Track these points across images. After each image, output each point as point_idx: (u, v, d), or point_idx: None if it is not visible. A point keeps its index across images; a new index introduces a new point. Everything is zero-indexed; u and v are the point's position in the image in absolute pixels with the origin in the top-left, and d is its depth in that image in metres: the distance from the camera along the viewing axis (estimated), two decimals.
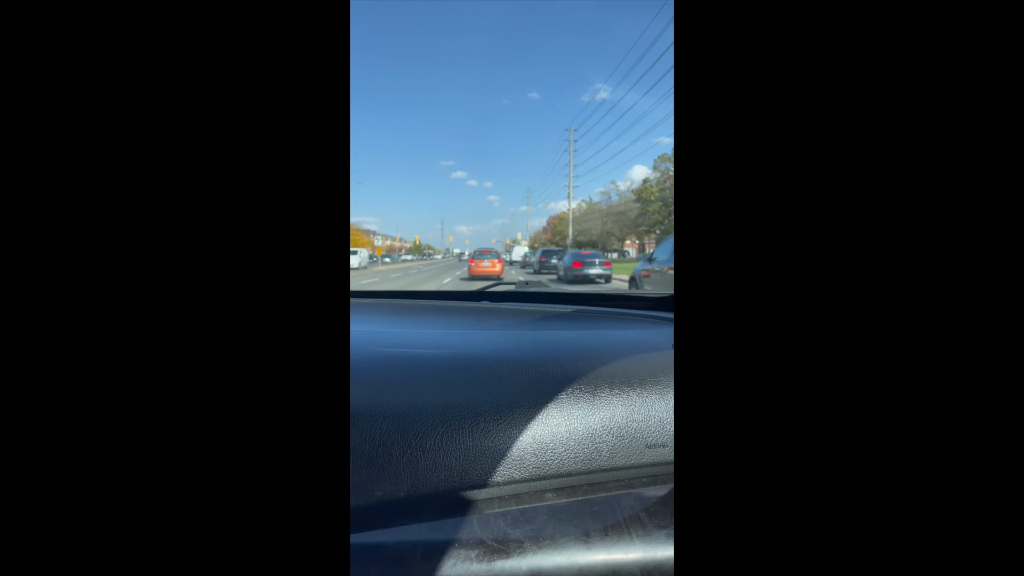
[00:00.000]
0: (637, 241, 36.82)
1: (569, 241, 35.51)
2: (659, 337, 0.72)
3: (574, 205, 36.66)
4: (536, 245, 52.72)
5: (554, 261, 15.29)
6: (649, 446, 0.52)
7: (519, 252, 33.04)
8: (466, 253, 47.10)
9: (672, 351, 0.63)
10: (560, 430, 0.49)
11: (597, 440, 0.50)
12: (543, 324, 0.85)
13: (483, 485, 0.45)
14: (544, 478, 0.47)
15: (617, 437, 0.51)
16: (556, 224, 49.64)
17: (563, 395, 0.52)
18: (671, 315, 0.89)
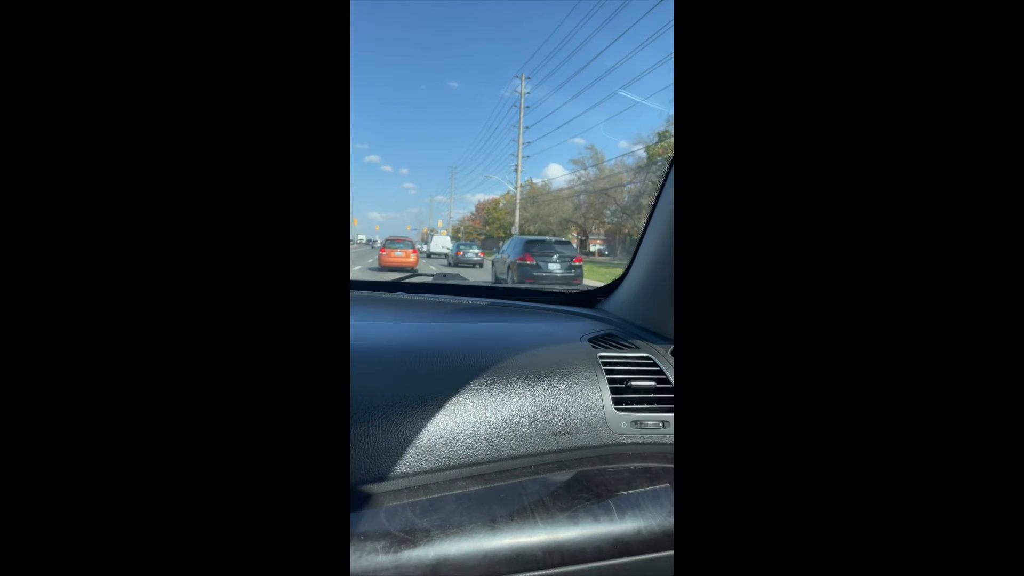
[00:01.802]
0: (580, 236, 28.30)
1: (515, 230, 26.02)
2: (569, 330, 0.77)
3: (498, 194, 27.38)
4: (460, 235, 43.41)
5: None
6: (555, 433, 0.56)
7: (440, 243, 23.60)
8: (378, 241, 37.51)
9: (580, 343, 0.71)
10: (472, 420, 0.52)
11: (507, 429, 0.53)
12: (459, 316, 0.86)
13: (393, 477, 0.46)
14: (455, 467, 0.49)
15: (527, 426, 0.55)
16: (490, 211, 39.97)
17: (475, 386, 0.55)
18: (581, 309, 0.96)
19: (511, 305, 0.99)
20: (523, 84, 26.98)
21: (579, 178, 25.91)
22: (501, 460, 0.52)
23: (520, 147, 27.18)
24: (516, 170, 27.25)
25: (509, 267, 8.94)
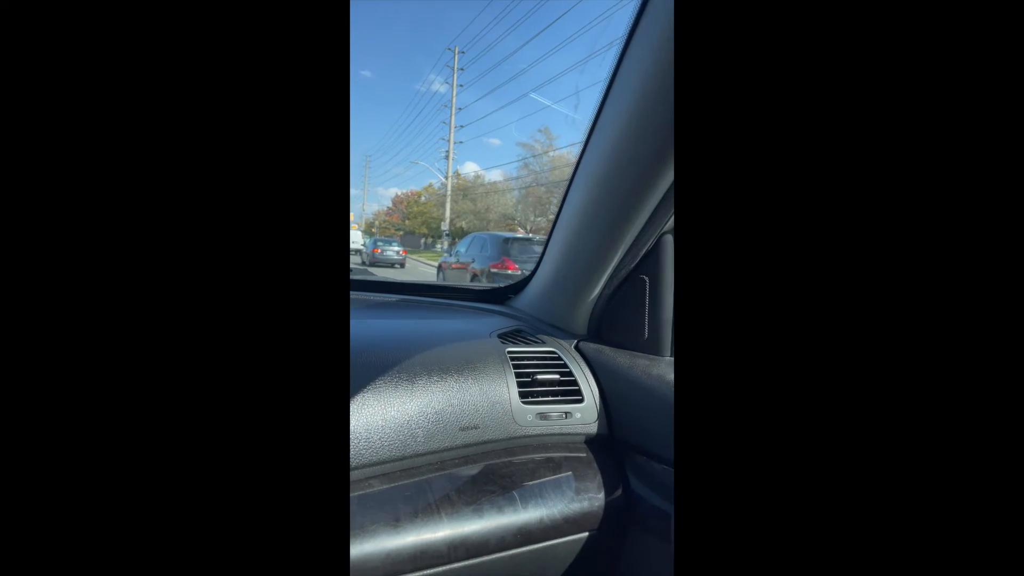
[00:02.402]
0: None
1: (446, 226, 22.52)
2: (479, 326, 0.77)
3: (419, 187, 23.82)
4: (374, 231, 38.72)
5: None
6: (463, 428, 0.56)
7: (352, 238, 19.44)
8: None
9: (490, 339, 0.71)
10: (376, 419, 0.51)
11: (413, 426, 0.53)
12: (366, 313, 0.84)
13: None
14: (357, 468, 0.49)
15: (433, 422, 0.55)
16: (410, 204, 35.72)
17: (381, 384, 0.54)
18: (492, 306, 0.96)
19: (422, 301, 0.99)
20: (456, 58, 23.48)
21: (527, 166, 23.02)
22: (407, 458, 0.52)
23: (452, 130, 23.66)
24: (447, 157, 23.68)
25: (480, 276, 6.51)
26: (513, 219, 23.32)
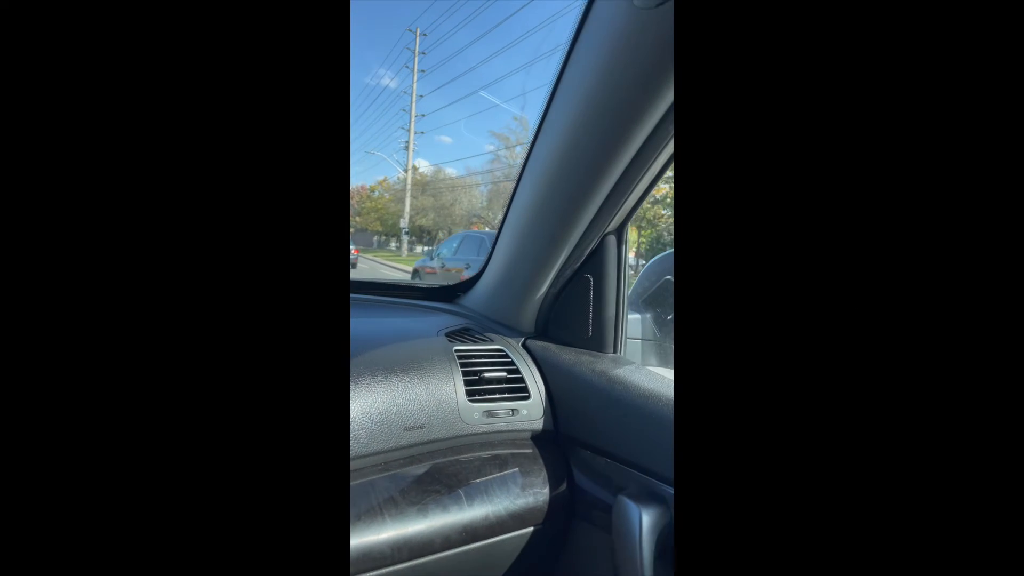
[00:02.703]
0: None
1: (404, 223, 20.49)
2: (427, 325, 0.76)
3: (372, 182, 21.63)
4: None
5: None
6: (408, 428, 0.56)
7: None
8: None
9: (437, 337, 0.70)
10: None
11: (356, 427, 0.52)
12: None
13: None
14: None
15: (376, 423, 0.54)
16: (363, 199, 32.96)
17: None
18: (440, 304, 0.93)
19: (368, 300, 0.96)
20: (417, 39, 21.39)
21: (499, 158, 21.20)
22: (350, 460, 0.52)
23: (412, 118, 21.54)
24: (407, 148, 21.54)
25: None
26: (480, 217, 21.47)
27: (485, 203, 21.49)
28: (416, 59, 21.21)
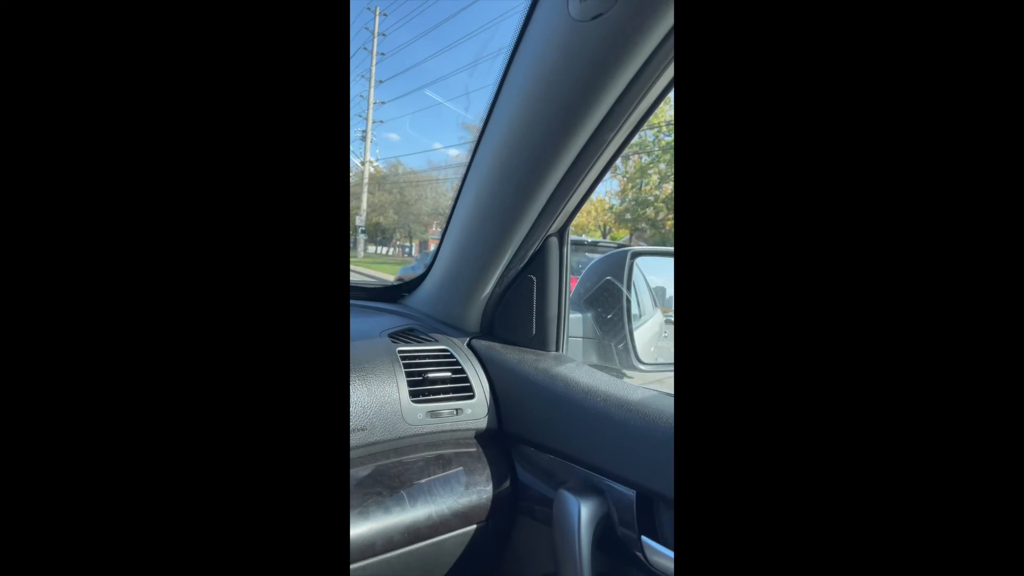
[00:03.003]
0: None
1: (360, 221, 18.80)
2: (370, 325, 0.75)
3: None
4: None
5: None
6: (351, 430, 0.56)
7: None
8: None
9: (380, 338, 0.70)
10: None
11: None
12: None
13: None
14: None
15: None
16: None
17: None
18: (384, 305, 0.93)
19: None
20: (377, 19, 19.72)
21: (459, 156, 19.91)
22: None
23: (371, 105, 19.85)
24: (365, 137, 19.81)
25: None
26: (441, 215, 20.16)
27: (449, 198, 20.20)
28: (375, 40, 19.57)
